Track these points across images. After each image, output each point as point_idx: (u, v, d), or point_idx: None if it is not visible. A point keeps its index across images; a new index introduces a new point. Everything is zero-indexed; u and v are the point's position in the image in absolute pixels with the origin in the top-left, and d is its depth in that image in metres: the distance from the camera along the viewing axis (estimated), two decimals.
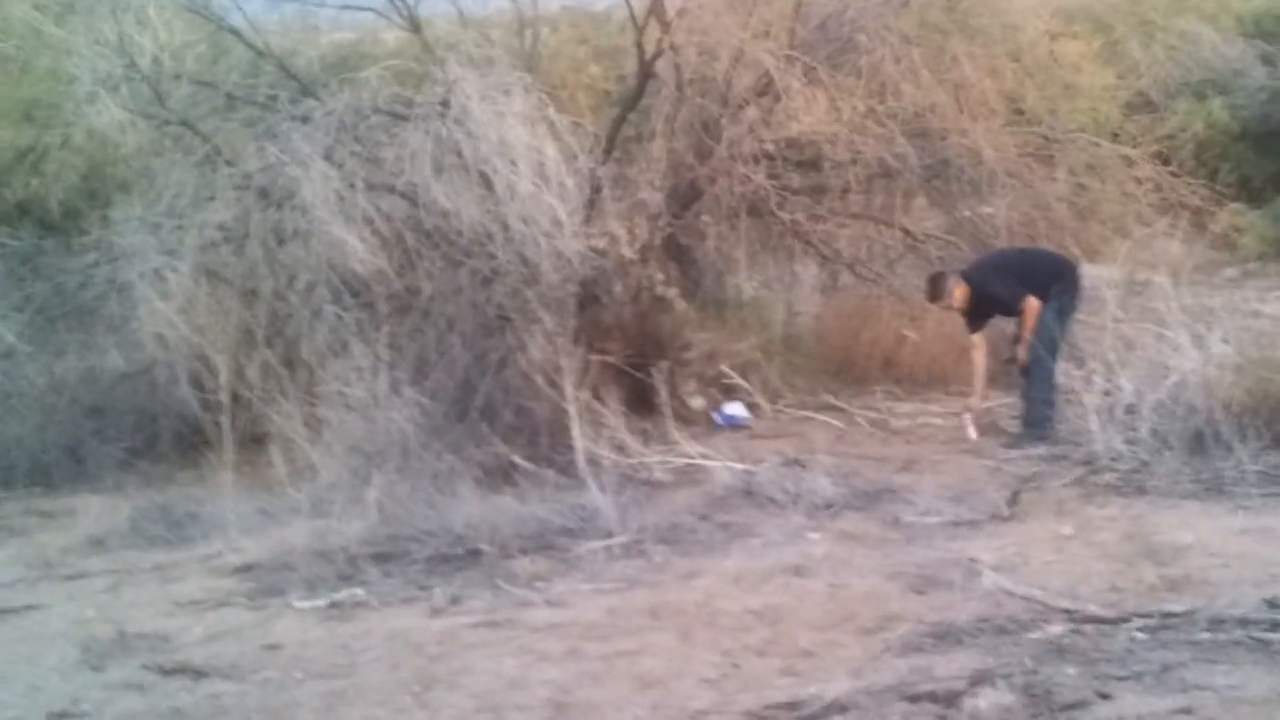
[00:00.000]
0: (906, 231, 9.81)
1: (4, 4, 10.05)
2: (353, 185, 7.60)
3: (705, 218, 9.23)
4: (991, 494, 6.76)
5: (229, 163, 8.24)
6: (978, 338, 8.37)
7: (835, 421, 8.58)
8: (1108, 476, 6.91)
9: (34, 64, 9.51)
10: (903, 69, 8.95)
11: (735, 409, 8.72)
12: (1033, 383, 8.09)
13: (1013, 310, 8.14)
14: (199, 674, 4.93)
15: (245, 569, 6.15)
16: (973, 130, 9.15)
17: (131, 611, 5.66)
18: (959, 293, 8.20)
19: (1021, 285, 8.09)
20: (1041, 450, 7.64)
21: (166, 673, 4.95)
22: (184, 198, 8.06)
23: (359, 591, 5.71)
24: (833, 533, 6.22)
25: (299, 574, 5.95)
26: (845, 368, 9.65)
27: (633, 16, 9.19)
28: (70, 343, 8.41)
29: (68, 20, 9.28)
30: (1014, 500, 6.61)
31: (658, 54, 9.02)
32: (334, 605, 5.60)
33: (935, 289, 8.34)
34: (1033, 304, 8.01)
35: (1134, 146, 9.89)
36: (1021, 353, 8.10)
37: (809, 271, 10.71)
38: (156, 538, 6.74)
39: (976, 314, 8.31)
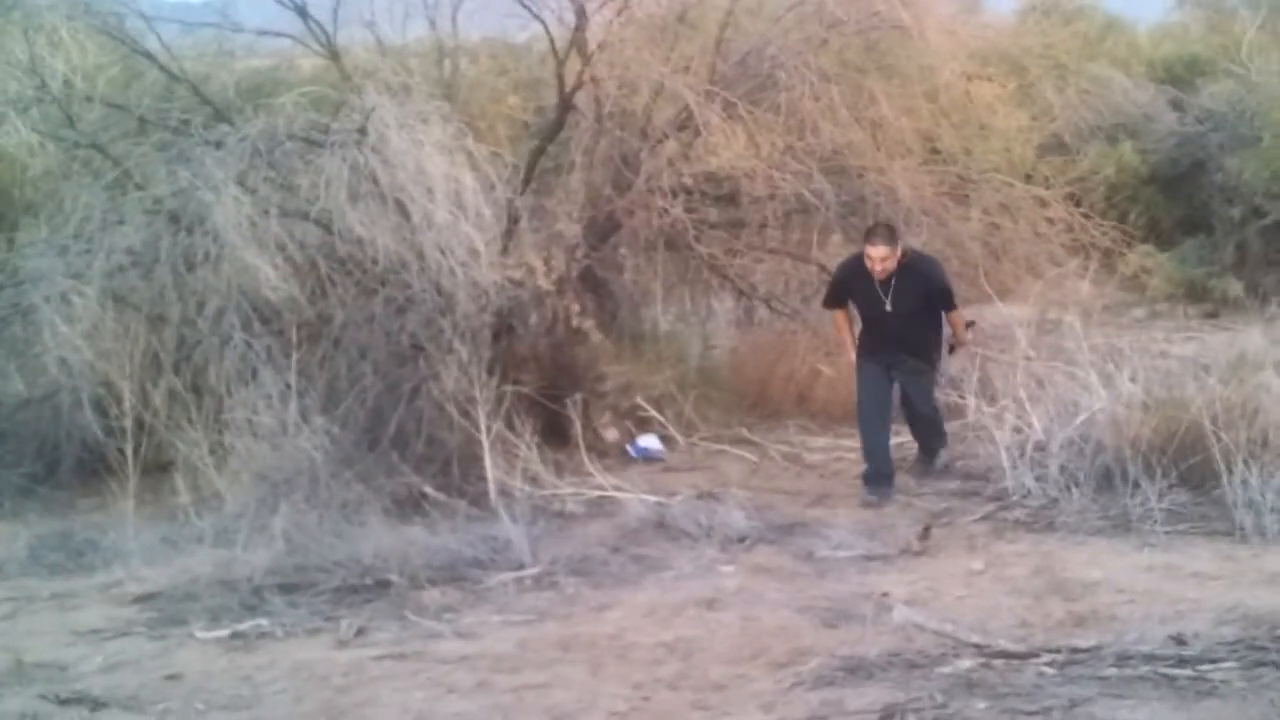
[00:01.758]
0: (823, 267, 9.81)
1: None
2: (266, 211, 7.48)
3: (623, 250, 9.23)
4: (903, 529, 6.77)
5: (139, 187, 8.10)
6: (841, 315, 8.12)
7: (749, 455, 8.55)
8: (1018, 513, 6.95)
9: None
10: (821, 106, 8.99)
11: (649, 441, 8.68)
12: (922, 407, 7.96)
13: (940, 307, 7.85)
14: (97, 704, 4.86)
15: (147, 598, 6.04)
16: (889, 168, 9.22)
17: (29, 640, 5.56)
18: (899, 252, 7.67)
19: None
20: (953, 485, 7.67)
21: (63, 703, 4.87)
22: (93, 221, 7.88)
23: (263, 622, 5.62)
24: (746, 566, 6.21)
25: (202, 604, 5.86)
26: (760, 402, 9.63)
27: (553, 48, 9.18)
28: None
29: None
30: (925, 535, 6.61)
31: (578, 86, 9.02)
32: (237, 636, 5.52)
33: (893, 232, 7.84)
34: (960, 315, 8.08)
35: (1047, 188, 10.01)
36: (963, 336, 8.06)
37: (725, 306, 10.72)
38: (56, 565, 6.61)
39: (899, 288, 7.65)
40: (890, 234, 7.73)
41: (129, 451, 7.24)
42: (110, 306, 7.66)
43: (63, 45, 8.13)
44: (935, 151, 9.92)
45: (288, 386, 7.27)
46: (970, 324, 8.20)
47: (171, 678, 5.09)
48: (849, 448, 8.48)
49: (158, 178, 8.08)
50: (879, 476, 7.64)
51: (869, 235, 7.75)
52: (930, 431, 8.11)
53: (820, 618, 5.38)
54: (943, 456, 8.07)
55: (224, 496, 6.95)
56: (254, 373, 7.36)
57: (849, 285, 7.95)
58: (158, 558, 6.51)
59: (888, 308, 7.66)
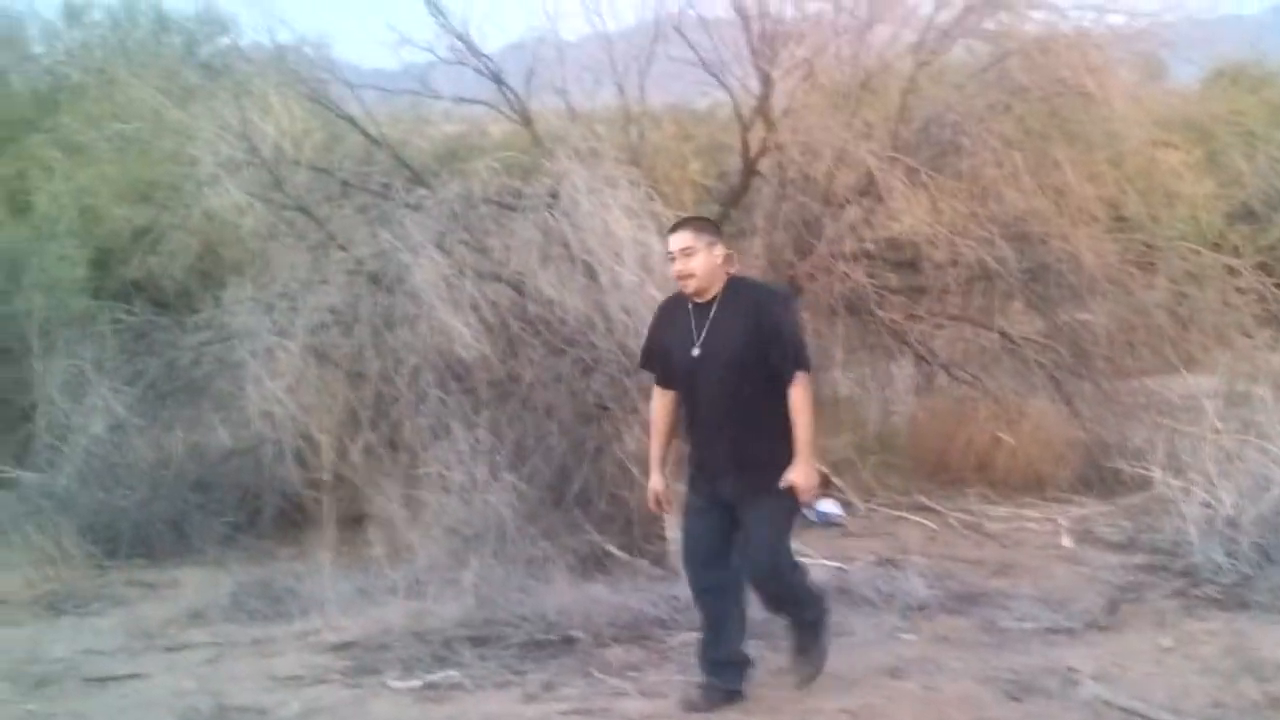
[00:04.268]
0: (1004, 334, 9.80)
1: (129, 88, 10.42)
2: (461, 272, 7.76)
3: (804, 315, 9.29)
4: (1088, 602, 6.66)
5: (342, 248, 8.45)
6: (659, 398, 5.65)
7: (928, 523, 8.53)
8: (1208, 589, 6.78)
9: (156, 146, 9.83)
10: (1005, 172, 9.00)
11: (829, 506, 8.71)
12: (759, 556, 5.30)
13: (779, 365, 5.23)
14: None
15: (342, 647, 6.24)
16: (1073, 235, 9.16)
17: (230, 685, 5.77)
18: (725, 259, 5.40)
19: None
20: (1138, 559, 7.53)
21: None
22: (297, 280, 8.27)
23: (454, 674, 5.78)
24: (927, 634, 6.20)
25: (395, 654, 6.03)
26: (939, 469, 9.60)
27: (739, 115, 9.36)
28: (179, 418, 8.59)
29: (189, 105, 9.61)
30: (1112, 609, 6.52)
31: (762, 152, 9.17)
32: (429, 686, 5.67)
33: (709, 225, 5.57)
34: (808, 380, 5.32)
35: (1236, 256, 9.80)
36: (804, 474, 5.21)
37: (904, 371, 10.70)
38: (256, 612, 6.84)
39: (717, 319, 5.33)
40: (704, 223, 5.56)
41: (326, 503, 7.56)
42: (312, 363, 8.00)
43: (272, 111, 8.52)
44: (1120, 219, 9.81)
45: (478, 443, 7.47)
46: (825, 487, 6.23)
47: None
48: (1031, 517, 8.44)
49: (359, 239, 8.42)
50: (716, 665, 5.44)
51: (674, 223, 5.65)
52: (781, 602, 5.48)
53: (1004, 690, 5.36)
54: (813, 659, 5.50)
55: (416, 549, 7.14)
56: (446, 429, 7.59)
57: (663, 326, 5.60)
58: (353, 607, 6.71)
59: (694, 352, 5.27)
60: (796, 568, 5.55)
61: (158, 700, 5.58)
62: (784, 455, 5.22)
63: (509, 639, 6.16)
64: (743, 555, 5.33)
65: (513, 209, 8.23)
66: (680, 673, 5.75)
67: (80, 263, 10.58)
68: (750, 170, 9.36)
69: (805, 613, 5.50)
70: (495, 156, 8.78)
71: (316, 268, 8.42)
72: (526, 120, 9.58)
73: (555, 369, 7.96)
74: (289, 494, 7.98)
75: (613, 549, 7.33)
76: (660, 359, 5.60)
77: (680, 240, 5.37)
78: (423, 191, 8.49)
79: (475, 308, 7.75)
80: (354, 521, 7.71)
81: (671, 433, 5.63)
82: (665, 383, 5.59)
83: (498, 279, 8.11)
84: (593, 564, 7.22)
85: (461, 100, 9.92)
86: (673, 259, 5.39)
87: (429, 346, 7.77)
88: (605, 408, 7.87)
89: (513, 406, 7.91)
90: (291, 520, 8.06)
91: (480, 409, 7.72)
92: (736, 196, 9.58)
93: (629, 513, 7.58)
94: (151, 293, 9.94)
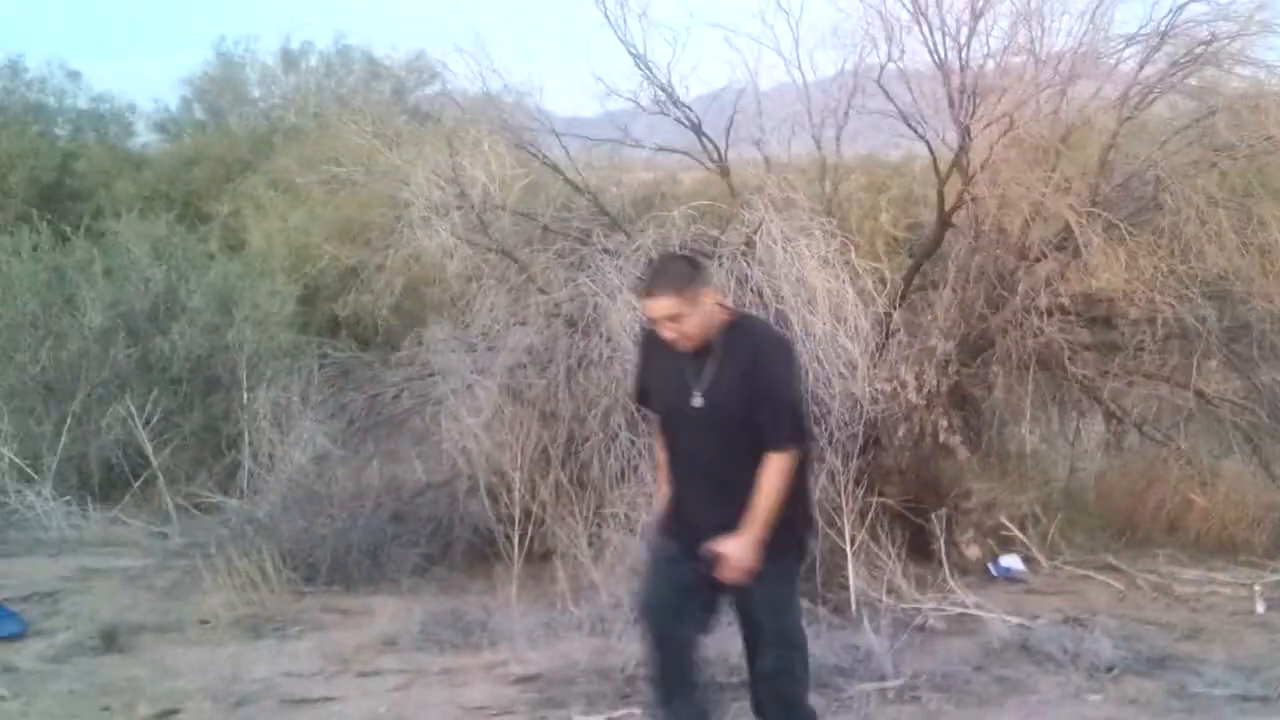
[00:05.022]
0: (1200, 394, 9.59)
1: (342, 131, 10.88)
2: None
3: (994, 368, 9.23)
4: None
5: (541, 290, 8.68)
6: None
7: (1115, 583, 8.37)
8: None
9: (367, 189, 10.24)
10: (1207, 230, 8.83)
11: (1012, 561, 8.63)
12: (776, 649, 4.96)
13: (766, 429, 4.71)
14: None
15: (528, 679, 6.37)
16: (1277, 295, 8.94)
17: (420, 712, 5.97)
18: (709, 301, 4.75)
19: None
20: None
21: None
22: (497, 321, 8.53)
23: (637, 712, 5.87)
24: (1113, 697, 6.11)
25: (579, 688, 6.16)
26: (1127, 529, 9.42)
27: (935, 168, 9.37)
28: (379, 451, 8.89)
29: (398, 149, 9.99)
30: None
31: (958, 205, 9.16)
32: None
33: (691, 271, 4.82)
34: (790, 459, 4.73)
35: None
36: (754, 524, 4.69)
37: (1095, 428, 10.54)
38: (446, 642, 7.01)
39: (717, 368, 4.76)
40: (683, 274, 4.75)
41: (516, 539, 7.76)
42: (507, 401, 8.23)
43: (482, 156, 8.81)
44: None
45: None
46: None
47: None
48: (1222, 581, 8.24)
49: (558, 282, 8.65)
50: None
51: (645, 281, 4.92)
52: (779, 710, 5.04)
53: None
54: None
55: (600, 587, 7.30)
56: (634, 470, 7.74)
57: (651, 362, 5.03)
58: (539, 641, 6.86)
59: (695, 402, 4.75)
60: (802, 657, 5.04)
61: None
62: (787, 526, 4.75)
63: None
64: (753, 649, 4.93)
65: (708, 256, 8.37)
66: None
67: (289, 299, 11.07)
68: (945, 222, 9.34)
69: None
70: (691, 205, 8.94)
71: (516, 309, 8.67)
72: (724, 170, 9.72)
73: None
74: (480, 528, 8.19)
75: None
76: (650, 397, 5.11)
77: (662, 308, 4.67)
78: (620, 238, 8.69)
79: None
80: (541, 558, 7.88)
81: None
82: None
83: None
84: None
85: (662, 149, 10.10)
86: (654, 320, 4.76)
87: (621, 389, 7.94)
88: None
89: None
90: (481, 554, 8.24)
91: None
92: (930, 249, 9.57)
93: (812, 561, 7.62)
94: (356, 330, 10.35)
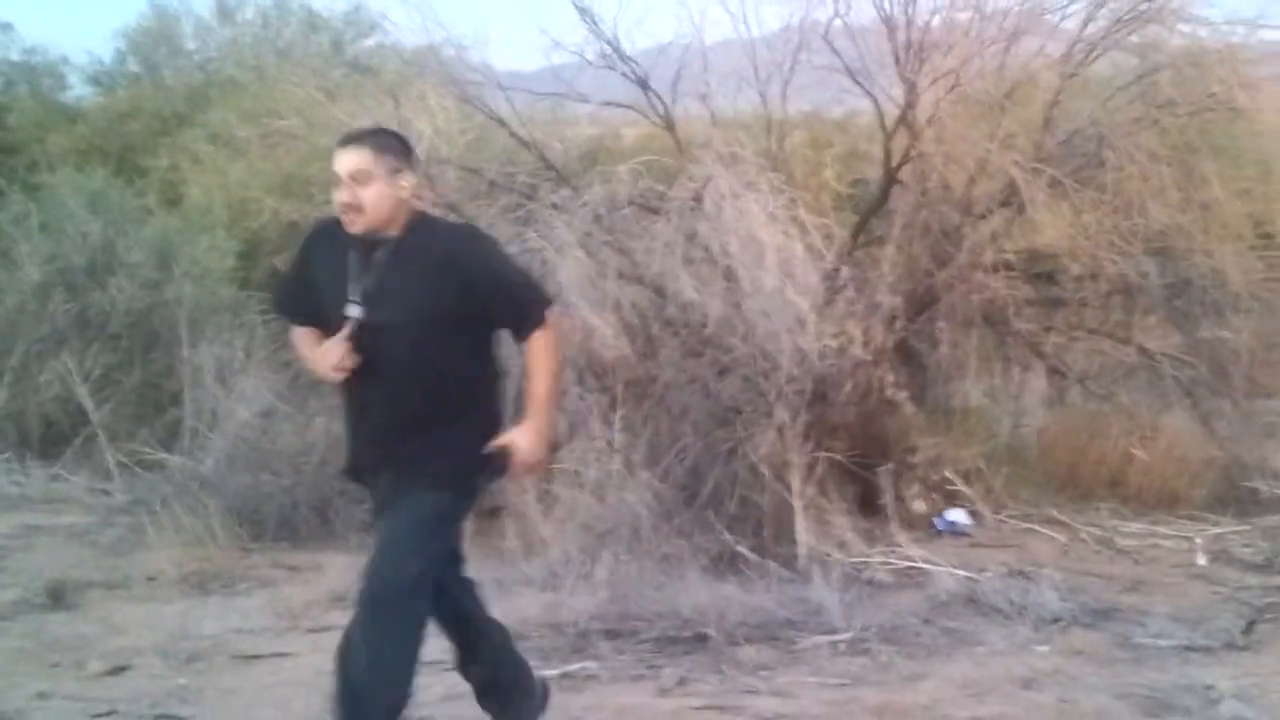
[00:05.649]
0: (1142, 349, 9.69)
1: (280, 84, 10.74)
2: (603, 273, 7.90)
3: (940, 324, 9.29)
4: (1225, 621, 6.58)
5: None
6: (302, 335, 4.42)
7: (1059, 536, 8.44)
8: None
9: (307, 142, 10.10)
10: (1149, 186, 8.90)
11: (957, 515, 8.70)
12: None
13: (501, 322, 4.29)
14: None
15: None
16: (1219, 251, 9.04)
17: None
18: (413, 192, 4.25)
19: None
20: (1277, 580, 7.43)
21: None
22: None
23: (590, 665, 5.90)
24: (1060, 647, 6.17)
25: (532, 643, 6.10)
26: (1070, 483, 9.50)
27: (882, 124, 9.38)
28: (322, 408, 8.80)
29: (338, 102, 9.87)
30: (1249, 629, 6.46)
31: (905, 161, 9.18)
32: (566, 676, 5.77)
33: (395, 142, 4.30)
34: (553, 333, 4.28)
35: None
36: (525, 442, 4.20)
37: (1037, 383, 10.63)
38: None
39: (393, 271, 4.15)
40: (390, 141, 4.28)
41: None
42: None
43: (428, 110, 8.72)
44: (1267, 235, 9.67)
45: (613, 441, 7.61)
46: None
47: None
48: (1164, 535, 8.35)
49: (505, 237, 8.58)
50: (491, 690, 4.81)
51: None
52: (379, 645, 4.18)
53: (1140, 706, 5.34)
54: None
55: (550, 544, 7.29)
56: (584, 426, 7.72)
57: (311, 266, 4.35)
58: (490, 598, 6.81)
59: (351, 312, 4.12)
60: (422, 600, 4.24)
61: (302, 679, 5.73)
62: (464, 444, 4.17)
63: (643, 634, 6.26)
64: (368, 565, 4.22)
65: (655, 212, 8.35)
66: (811, 675, 5.82)
67: (229, 254, 10.93)
68: (891, 178, 9.36)
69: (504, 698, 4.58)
70: (637, 160, 8.90)
71: None
72: (670, 125, 9.68)
73: (691, 370, 8.06)
74: None
75: (744, 550, 7.39)
76: (305, 305, 4.33)
77: (353, 160, 4.07)
78: (567, 192, 8.65)
79: (616, 308, 7.90)
80: (490, 514, 7.84)
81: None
82: (310, 323, 4.34)
83: (639, 280, 8.23)
84: (724, 564, 7.29)
85: (607, 104, 10.03)
86: (338, 183, 4.11)
87: (570, 344, 7.91)
88: (739, 410, 7.96)
89: (648, 406, 8.03)
90: None
91: (617, 407, 7.84)
92: (876, 204, 9.59)
93: (760, 515, 7.66)
94: None
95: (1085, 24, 9.41)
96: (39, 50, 15.77)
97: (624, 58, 9.69)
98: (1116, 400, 9.81)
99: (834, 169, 10.36)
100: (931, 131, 9.01)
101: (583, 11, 9.55)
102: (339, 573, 7.36)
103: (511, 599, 6.79)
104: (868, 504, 8.38)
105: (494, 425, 4.28)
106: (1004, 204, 9.20)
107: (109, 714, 5.33)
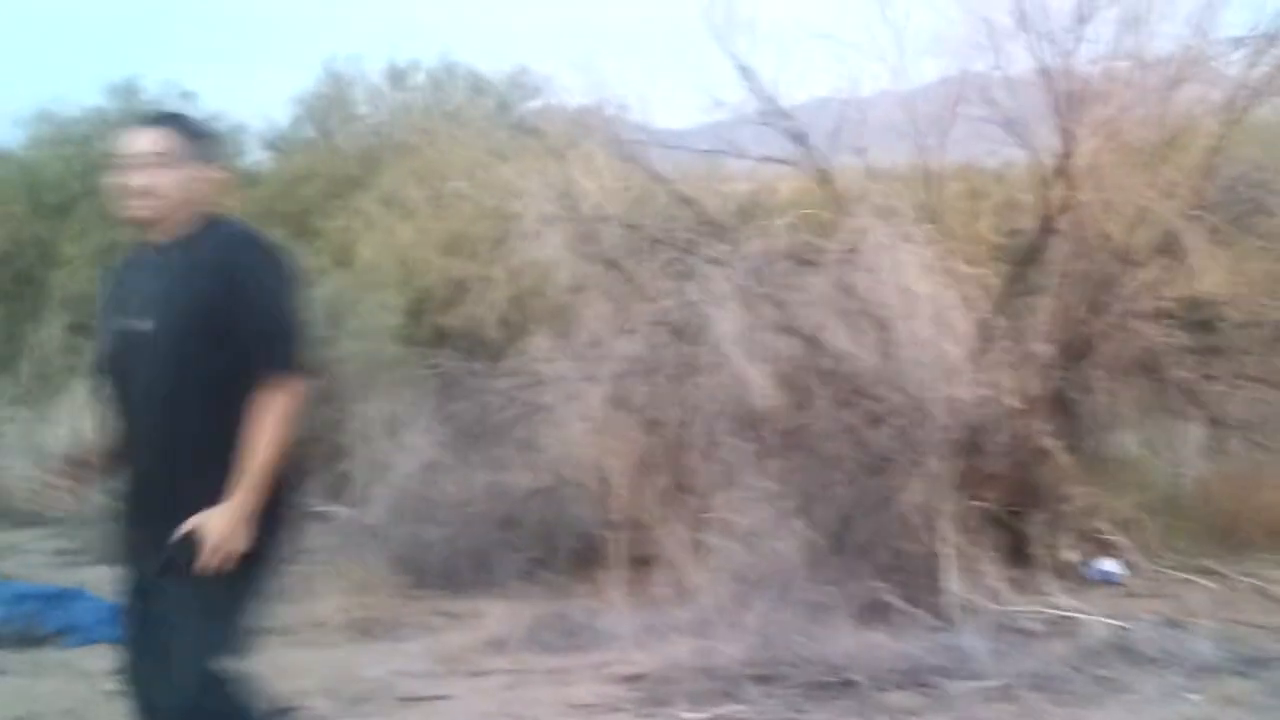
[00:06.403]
0: None
1: (450, 147, 11.16)
2: (759, 326, 8.08)
3: (1095, 373, 9.23)
4: None
5: (648, 300, 8.85)
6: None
7: (1214, 586, 8.29)
8: None
9: (474, 202, 10.49)
10: None
11: (1110, 565, 8.61)
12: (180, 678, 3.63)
13: (250, 358, 3.58)
14: None
15: (633, 679, 6.53)
16: None
17: (528, 709, 6.15)
18: (215, 187, 3.78)
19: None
20: None
21: None
22: (603, 330, 8.72)
23: (741, 709, 6.02)
24: (1214, 696, 6.10)
25: (684, 688, 6.29)
26: (1228, 533, 9.28)
27: (1039, 174, 9.38)
28: (485, 459, 9.09)
29: (503, 163, 10.23)
30: None
31: (1062, 210, 9.16)
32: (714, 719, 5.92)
33: (187, 129, 3.77)
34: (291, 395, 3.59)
35: None
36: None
37: (1196, 432, 10.45)
38: (552, 644, 7.22)
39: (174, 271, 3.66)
40: (193, 126, 3.83)
41: (619, 544, 7.93)
42: (612, 409, 8.42)
43: (593, 169, 9.01)
44: None
45: (766, 491, 7.74)
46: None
47: None
48: None
49: (664, 291, 8.81)
50: None
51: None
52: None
53: None
54: None
55: (702, 591, 7.41)
56: (736, 476, 7.88)
57: (118, 282, 3.84)
58: (642, 643, 7.02)
59: (131, 323, 3.62)
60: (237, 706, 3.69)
61: None
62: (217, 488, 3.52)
63: (792, 679, 6.34)
64: (153, 673, 3.64)
65: (811, 264, 8.50)
66: None
67: (397, 312, 11.35)
68: (1048, 228, 9.35)
69: None
70: (794, 213, 9.06)
71: (622, 318, 8.85)
72: (826, 178, 9.81)
73: (844, 420, 8.17)
74: (584, 533, 8.39)
75: (893, 598, 7.43)
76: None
77: (153, 141, 3.61)
78: (725, 247, 8.84)
79: (771, 359, 8.07)
80: (644, 562, 8.03)
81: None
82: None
83: (793, 332, 8.38)
84: (873, 612, 7.31)
85: (765, 159, 10.19)
86: (126, 167, 3.62)
87: (725, 396, 8.09)
88: (890, 460, 8.03)
89: (800, 456, 8.16)
90: (586, 559, 8.40)
91: (769, 457, 7.99)
92: (1032, 254, 9.58)
93: (910, 563, 7.70)
94: (462, 341, 10.58)
95: (1248, 69, 9.33)
96: (219, 117, 16.50)
97: (782, 113, 9.85)
98: (1278, 450, 9.60)
99: (989, 220, 10.39)
100: (1090, 180, 9.00)
101: (743, 70, 9.74)
102: (497, 619, 7.65)
103: (664, 644, 6.96)
104: (1019, 553, 8.33)
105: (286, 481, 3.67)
106: (1163, 252, 9.12)
107: None
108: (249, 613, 3.76)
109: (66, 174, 14.34)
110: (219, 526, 3.47)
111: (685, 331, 8.48)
